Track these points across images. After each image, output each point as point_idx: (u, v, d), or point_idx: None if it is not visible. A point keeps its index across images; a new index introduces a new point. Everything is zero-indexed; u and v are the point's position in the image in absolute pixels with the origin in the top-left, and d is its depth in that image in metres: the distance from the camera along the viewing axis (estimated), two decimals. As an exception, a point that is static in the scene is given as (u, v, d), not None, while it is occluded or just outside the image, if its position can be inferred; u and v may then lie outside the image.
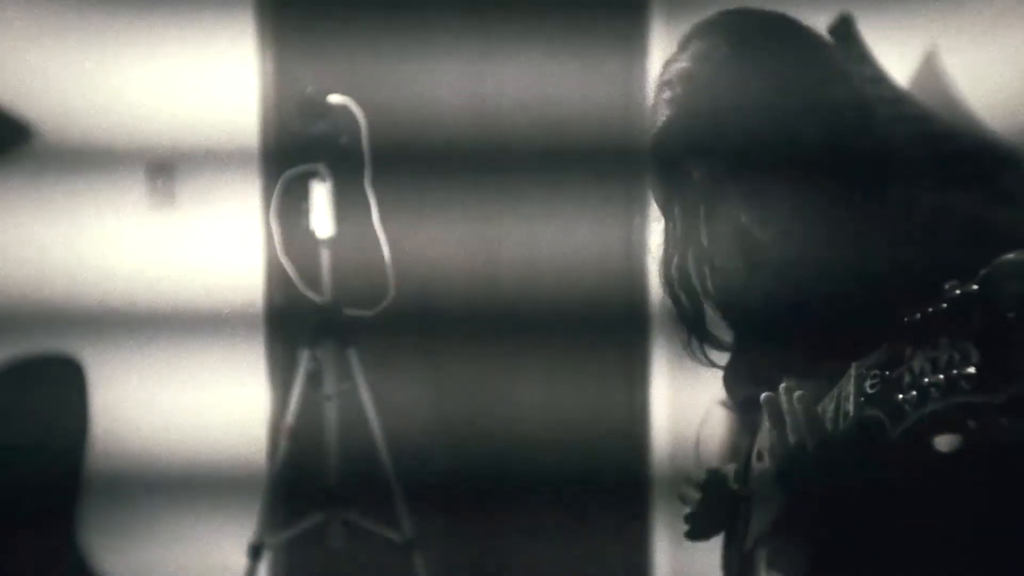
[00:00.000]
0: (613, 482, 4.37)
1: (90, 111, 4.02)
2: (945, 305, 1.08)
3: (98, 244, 4.05)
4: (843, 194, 1.45)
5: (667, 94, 1.50)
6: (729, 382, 1.72)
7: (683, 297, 1.60)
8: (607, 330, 4.34)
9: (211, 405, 4.08)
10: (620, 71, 4.31)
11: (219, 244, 4.15)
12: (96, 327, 4.00)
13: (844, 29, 2.83)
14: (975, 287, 1.06)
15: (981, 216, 1.48)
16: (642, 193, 4.12)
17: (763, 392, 1.45)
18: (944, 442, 1.12)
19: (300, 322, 3.95)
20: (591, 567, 4.39)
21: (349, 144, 3.87)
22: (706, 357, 1.65)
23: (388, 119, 4.05)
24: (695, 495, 1.77)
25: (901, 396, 1.12)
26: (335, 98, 3.85)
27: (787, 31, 1.51)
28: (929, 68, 2.74)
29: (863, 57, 2.78)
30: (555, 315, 4.28)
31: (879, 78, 2.75)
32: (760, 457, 1.55)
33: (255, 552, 3.83)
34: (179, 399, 4.06)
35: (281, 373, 4.16)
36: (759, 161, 1.45)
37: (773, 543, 1.55)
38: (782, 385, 1.38)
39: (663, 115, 1.50)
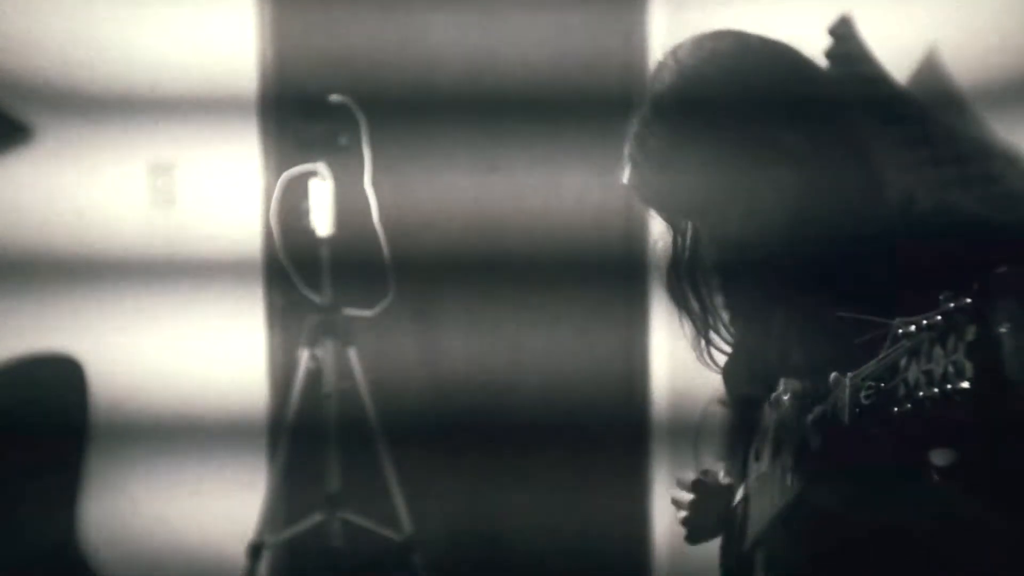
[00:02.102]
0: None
1: (89, 103, 4.00)
2: (939, 317, 1.07)
3: (97, 235, 4.03)
4: (832, 198, 1.45)
5: (630, 147, 1.52)
6: (728, 380, 1.72)
7: (693, 302, 1.60)
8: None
9: (211, 404, 4.07)
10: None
11: (218, 240, 4.13)
12: (95, 323, 4.00)
13: (844, 29, 2.83)
14: (968, 300, 1.05)
15: (982, 216, 1.47)
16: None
17: (760, 391, 1.45)
18: (940, 456, 1.12)
19: (300, 322, 3.95)
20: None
21: (349, 144, 3.87)
22: (712, 361, 1.64)
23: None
24: (687, 497, 1.76)
25: (896, 409, 1.11)
26: (335, 98, 3.86)
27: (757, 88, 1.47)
28: (929, 67, 2.74)
29: (863, 57, 2.79)
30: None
31: (879, 78, 2.75)
32: (758, 456, 1.55)
33: (255, 552, 3.83)
34: (178, 398, 4.06)
35: (281, 372, 4.15)
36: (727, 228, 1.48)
37: (771, 544, 1.55)
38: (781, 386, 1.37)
39: (633, 171, 1.52)
